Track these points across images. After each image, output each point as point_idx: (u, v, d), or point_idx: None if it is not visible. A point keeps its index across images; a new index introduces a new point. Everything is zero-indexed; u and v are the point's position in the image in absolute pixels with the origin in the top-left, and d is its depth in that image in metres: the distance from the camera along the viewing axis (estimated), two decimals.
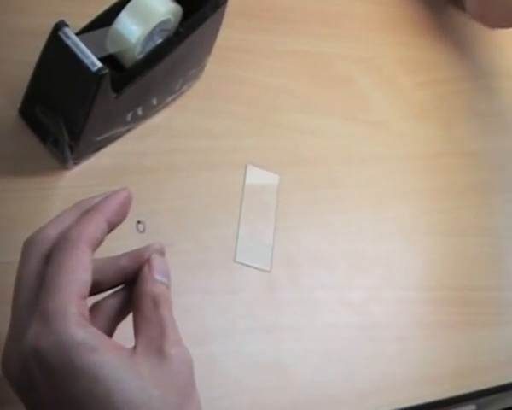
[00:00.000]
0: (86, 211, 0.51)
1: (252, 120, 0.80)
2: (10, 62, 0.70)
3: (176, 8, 0.67)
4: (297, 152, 0.80)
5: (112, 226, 0.52)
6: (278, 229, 0.74)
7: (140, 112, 0.70)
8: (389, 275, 0.78)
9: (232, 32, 0.78)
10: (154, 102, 0.72)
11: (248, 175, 0.76)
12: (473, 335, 0.78)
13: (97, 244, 0.50)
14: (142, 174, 0.72)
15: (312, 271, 0.74)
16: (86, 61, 0.59)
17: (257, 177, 0.76)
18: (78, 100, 0.62)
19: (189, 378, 0.48)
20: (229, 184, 0.75)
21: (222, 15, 0.71)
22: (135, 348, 0.47)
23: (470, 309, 0.80)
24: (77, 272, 0.47)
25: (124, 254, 0.54)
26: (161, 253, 0.55)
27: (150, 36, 0.65)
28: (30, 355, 0.45)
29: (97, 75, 0.59)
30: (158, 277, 0.52)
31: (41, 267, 0.48)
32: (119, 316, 0.53)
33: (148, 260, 0.53)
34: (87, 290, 0.47)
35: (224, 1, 0.69)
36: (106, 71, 0.59)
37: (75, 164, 0.68)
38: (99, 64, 0.59)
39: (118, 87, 0.63)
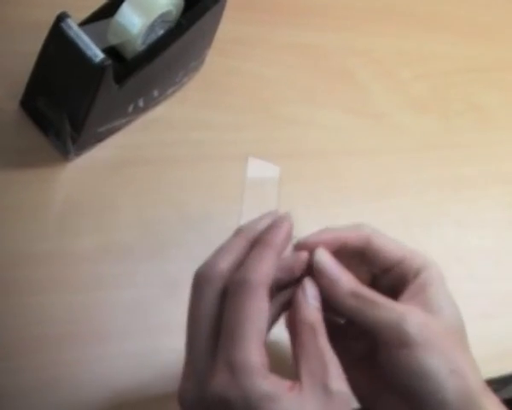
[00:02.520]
0: (255, 242, 0.53)
1: (252, 112, 0.80)
2: (11, 54, 0.71)
3: (177, 0, 0.67)
4: (297, 144, 0.80)
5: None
6: None
7: (141, 103, 0.70)
8: None
9: (232, 24, 0.78)
10: (155, 93, 0.72)
11: (249, 167, 0.76)
12: (473, 326, 0.78)
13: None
14: (143, 166, 0.72)
15: None
16: (89, 53, 0.59)
17: (258, 169, 0.76)
18: (80, 91, 0.62)
19: None
20: (230, 176, 0.75)
21: (223, 7, 0.71)
22: (300, 382, 0.48)
23: (470, 301, 0.79)
24: (259, 321, 0.48)
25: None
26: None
27: (152, 27, 0.65)
28: (215, 404, 0.46)
29: (100, 66, 0.59)
30: (312, 301, 0.53)
31: (218, 307, 0.50)
32: (270, 325, 0.54)
33: (302, 285, 0.53)
34: (266, 336, 0.49)
35: None
36: (108, 62, 0.59)
37: (77, 155, 0.68)
38: (101, 55, 0.59)
39: (119, 79, 0.63)
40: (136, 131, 0.73)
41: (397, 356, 0.53)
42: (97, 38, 0.61)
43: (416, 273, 0.57)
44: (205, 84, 0.78)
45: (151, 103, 0.73)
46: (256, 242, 0.53)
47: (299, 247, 0.56)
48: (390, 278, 0.58)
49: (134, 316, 0.64)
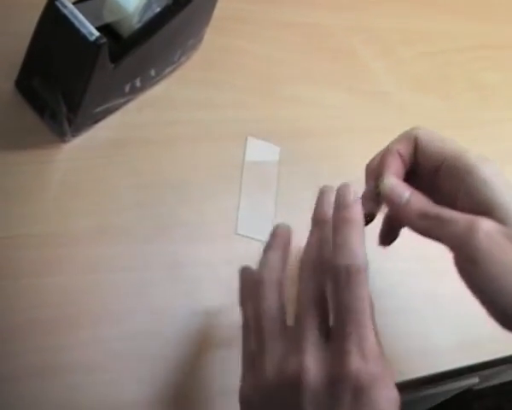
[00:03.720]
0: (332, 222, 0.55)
1: (252, 92, 0.79)
2: (6, 35, 0.69)
3: None
4: (298, 123, 0.79)
5: None
6: (279, 200, 0.73)
7: (138, 83, 0.69)
8: (390, 246, 0.77)
9: (230, 1, 0.77)
10: (153, 73, 0.71)
11: (248, 147, 0.75)
12: (475, 307, 0.77)
13: None
14: (141, 146, 0.71)
15: None
16: (84, 31, 0.58)
17: (257, 149, 0.75)
18: (75, 71, 0.61)
19: None
20: (230, 156, 0.74)
21: None
22: None
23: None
24: (371, 306, 0.53)
25: None
26: None
27: (148, 4, 0.64)
28: (348, 384, 0.50)
29: (95, 44, 0.58)
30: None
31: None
32: None
33: None
34: None
35: None
36: (104, 40, 0.58)
37: (73, 137, 0.67)
38: (97, 33, 0.58)
39: (116, 57, 0.62)
40: (134, 111, 0.72)
41: (468, 271, 0.55)
42: (92, 16, 0.60)
43: (470, 170, 0.57)
44: (203, 63, 0.77)
45: (148, 83, 0.72)
46: (336, 222, 0.54)
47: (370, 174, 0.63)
48: (443, 177, 0.59)
49: (133, 299, 0.63)
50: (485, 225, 0.54)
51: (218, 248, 0.69)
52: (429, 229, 0.57)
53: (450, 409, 1.14)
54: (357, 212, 0.54)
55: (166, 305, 0.64)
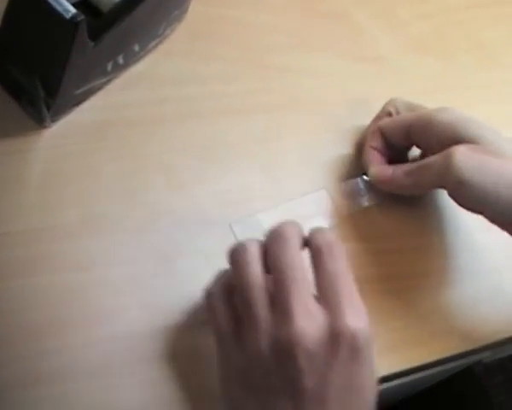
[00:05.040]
0: None
1: (242, 62, 0.75)
2: None
3: None
4: (291, 94, 0.75)
5: None
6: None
7: (121, 60, 0.66)
8: (400, 226, 0.73)
9: None
10: (136, 48, 0.67)
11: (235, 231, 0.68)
12: (488, 279, 0.74)
13: None
14: (127, 128, 0.67)
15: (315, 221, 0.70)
16: (59, 8, 0.54)
17: (244, 228, 0.67)
18: (52, 52, 0.57)
19: None
20: (222, 134, 0.70)
21: None
22: None
23: (485, 254, 0.75)
24: None
25: None
26: None
27: None
28: (347, 339, 0.51)
29: (72, 23, 0.54)
30: None
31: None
32: None
33: None
34: None
35: None
36: (81, 17, 0.54)
37: (53, 122, 0.64)
38: (73, 10, 0.54)
39: (95, 35, 0.58)
40: (118, 90, 0.68)
41: (462, 193, 0.63)
42: None
43: (431, 121, 0.66)
44: (189, 35, 0.73)
45: (132, 59, 0.68)
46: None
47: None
48: (416, 140, 0.69)
49: (124, 295, 0.60)
50: (460, 148, 0.62)
51: (213, 235, 0.65)
52: (417, 181, 0.66)
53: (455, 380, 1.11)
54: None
55: (161, 300, 0.61)
